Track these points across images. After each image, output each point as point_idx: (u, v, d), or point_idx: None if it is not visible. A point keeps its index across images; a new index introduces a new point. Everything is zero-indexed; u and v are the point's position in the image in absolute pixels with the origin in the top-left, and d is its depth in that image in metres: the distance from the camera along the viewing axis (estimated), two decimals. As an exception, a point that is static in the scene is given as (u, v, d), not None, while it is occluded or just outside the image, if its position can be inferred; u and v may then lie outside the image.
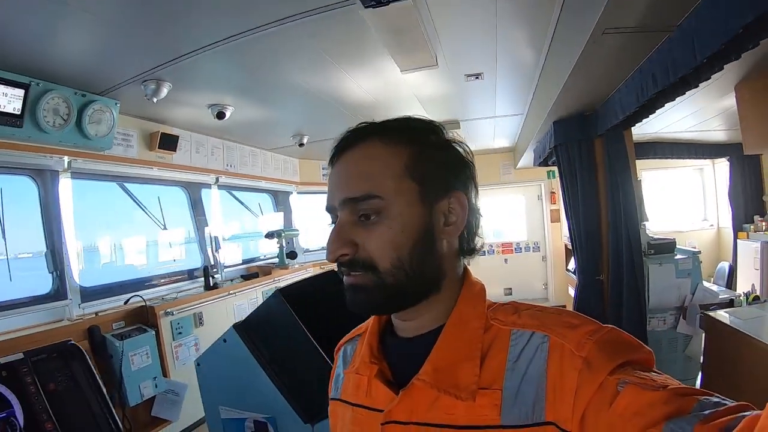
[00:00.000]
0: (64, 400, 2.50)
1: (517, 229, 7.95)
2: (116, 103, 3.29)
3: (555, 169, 6.70)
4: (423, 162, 0.75)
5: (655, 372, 0.61)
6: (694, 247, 4.47)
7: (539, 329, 0.68)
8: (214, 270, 4.48)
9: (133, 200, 3.99)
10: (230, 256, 5.06)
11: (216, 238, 4.64)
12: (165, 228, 4.26)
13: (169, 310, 3.57)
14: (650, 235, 4.00)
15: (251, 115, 4.15)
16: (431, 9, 2.35)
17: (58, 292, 3.18)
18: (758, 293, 3.75)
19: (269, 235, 5.46)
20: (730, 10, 1.79)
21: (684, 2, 2.03)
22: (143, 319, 3.45)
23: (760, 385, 2.58)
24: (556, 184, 7.21)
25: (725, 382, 2.96)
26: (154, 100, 3.16)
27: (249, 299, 4.62)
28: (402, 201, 0.72)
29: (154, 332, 3.35)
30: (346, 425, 0.84)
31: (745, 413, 0.47)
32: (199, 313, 3.87)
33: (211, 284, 4.27)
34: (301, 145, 5.18)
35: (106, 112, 3.24)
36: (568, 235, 5.71)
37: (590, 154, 3.92)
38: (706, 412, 0.50)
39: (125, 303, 3.49)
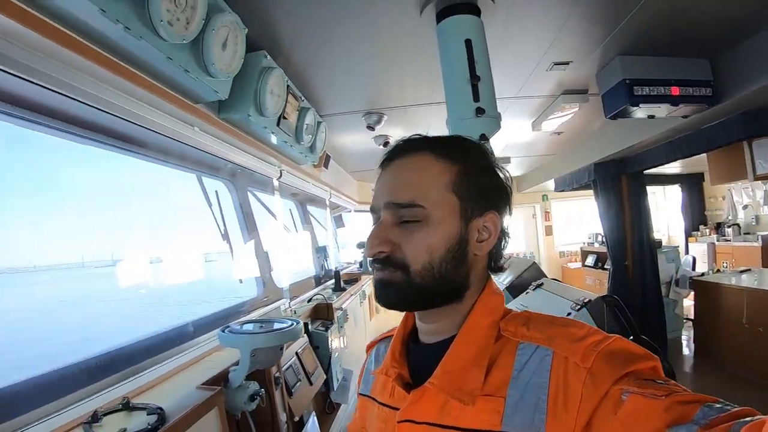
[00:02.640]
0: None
1: (516, 241, 9.64)
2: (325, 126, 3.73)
3: (548, 194, 8.51)
4: (466, 181, 0.81)
5: (661, 380, 0.62)
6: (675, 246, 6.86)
7: (544, 343, 0.72)
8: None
9: (266, 209, 4.10)
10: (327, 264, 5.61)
11: (325, 247, 5.39)
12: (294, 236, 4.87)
13: (337, 306, 4.09)
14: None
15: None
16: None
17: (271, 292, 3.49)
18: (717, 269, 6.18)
19: (360, 246, 6.45)
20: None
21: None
22: (323, 314, 3.94)
23: (732, 311, 4.70)
24: (550, 205, 8.99)
25: (707, 317, 5.21)
26: (375, 128, 3.90)
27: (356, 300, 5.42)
28: (442, 212, 0.79)
29: (334, 326, 3.81)
30: (373, 421, 0.92)
31: (747, 419, 0.49)
32: (346, 310, 4.55)
33: (341, 287, 5.03)
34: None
35: (323, 131, 3.68)
36: (588, 240, 8.51)
37: (618, 184, 5.64)
38: (708, 418, 0.52)
39: (308, 301, 4.03)
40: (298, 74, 2.93)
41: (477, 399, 0.72)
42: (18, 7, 1.22)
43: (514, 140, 5.55)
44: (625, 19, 2.48)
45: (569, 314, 2.14)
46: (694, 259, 6.65)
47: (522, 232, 9.81)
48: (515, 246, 9.54)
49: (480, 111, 1.94)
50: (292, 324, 2.11)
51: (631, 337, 2.34)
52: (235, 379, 2.07)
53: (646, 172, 5.46)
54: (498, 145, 5.74)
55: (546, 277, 3.36)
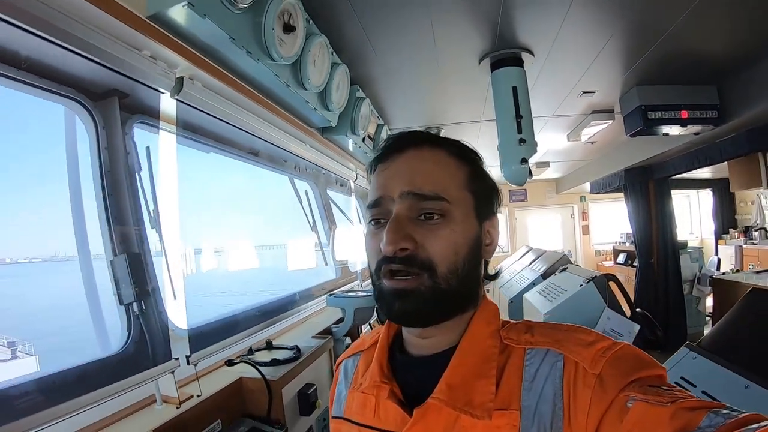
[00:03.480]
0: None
1: (554, 239, 10.11)
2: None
3: (586, 195, 9.05)
4: (477, 181, 0.78)
5: (667, 387, 0.59)
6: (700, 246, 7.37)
7: (553, 347, 0.69)
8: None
9: (337, 208, 4.60)
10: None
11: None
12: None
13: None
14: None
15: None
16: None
17: (347, 274, 4.33)
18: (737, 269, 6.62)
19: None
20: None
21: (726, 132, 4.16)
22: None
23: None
24: (587, 206, 9.57)
25: (723, 314, 5.58)
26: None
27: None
28: (463, 209, 0.74)
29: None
30: None
31: (754, 425, 0.47)
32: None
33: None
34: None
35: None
36: (620, 239, 8.86)
37: (645, 189, 6.22)
38: (715, 426, 0.50)
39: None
40: (378, 100, 3.73)
41: (492, 412, 0.67)
42: (227, 76, 2.00)
43: (553, 148, 6.20)
44: (642, 57, 3.09)
45: (581, 285, 2.90)
46: (719, 260, 7.07)
47: (560, 230, 10.29)
48: (552, 244, 9.90)
49: (522, 141, 2.71)
50: (379, 291, 2.90)
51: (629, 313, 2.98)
52: (339, 333, 2.85)
53: (677, 177, 5.94)
54: (538, 151, 6.40)
55: (571, 264, 4.13)
